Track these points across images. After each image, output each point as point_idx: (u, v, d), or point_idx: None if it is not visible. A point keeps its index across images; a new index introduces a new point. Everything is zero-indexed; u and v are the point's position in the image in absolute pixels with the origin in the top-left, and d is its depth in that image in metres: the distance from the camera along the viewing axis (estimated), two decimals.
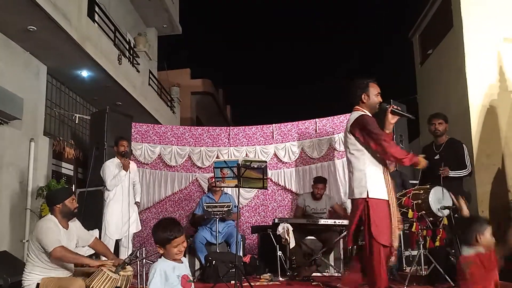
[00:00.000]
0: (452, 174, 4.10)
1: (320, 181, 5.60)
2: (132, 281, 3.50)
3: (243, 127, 6.83)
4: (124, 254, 4.69)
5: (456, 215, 3.92)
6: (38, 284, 3.14)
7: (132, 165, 5.24)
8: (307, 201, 5.59)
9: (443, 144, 4.29)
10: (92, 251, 3.98)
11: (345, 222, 4.97)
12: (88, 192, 5.54)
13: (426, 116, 8.84)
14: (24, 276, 3.18)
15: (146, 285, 3.88)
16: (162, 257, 2.34)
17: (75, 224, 3.46)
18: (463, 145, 4.25)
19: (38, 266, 3.16)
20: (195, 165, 6.64)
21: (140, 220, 5.35)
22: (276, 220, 4.87)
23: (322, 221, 5.04)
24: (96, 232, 5.02)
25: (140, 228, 5.25)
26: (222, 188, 5.69)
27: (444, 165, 4.19)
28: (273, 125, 6.72)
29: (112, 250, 4.85)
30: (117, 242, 4.96)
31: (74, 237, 3.38)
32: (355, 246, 3.28)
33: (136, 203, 5.18)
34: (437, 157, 4.27)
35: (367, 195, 3.13)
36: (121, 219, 4.89)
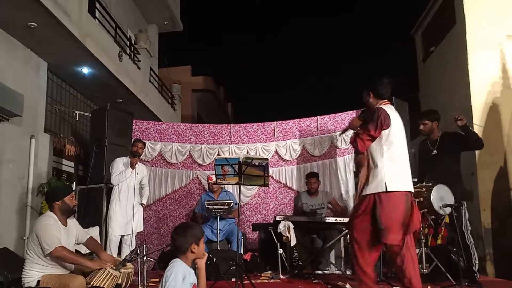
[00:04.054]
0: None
1: (312, 175, 5.63)
2: (133, 278, 3.49)
3: (244, 124, 6.81)
4: (127, 252, 4.70)
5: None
6: (38, 281, 3.14)
7: (142, 167, 5.29)
8: (304, 198, 5.59)
9: (438, 140, 4.27)
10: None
11: (346, 220, 4.95)
12: (88, 189, 5.53)
13: None
14: (24, 273, 3.18)
15: (146, 282, 3.88)
16: (179, 260, 2.34)
17: (73, 221, 3.46)
18: (457, 132, 4.23)
19: (37, 263, 3.16)
20: (196, 163, 6.62)
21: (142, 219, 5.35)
22: (277, 218, 4.85)
23: (323, 219, 5.02)
24: (96, 229, 5.03)
25: (142, 228, 5.27)
26: (221, 186, 5.68)
27: (444, 159, 4.16)
28: (274, 122, 6.70)
29: (116, 247, 4.88)
30: (121, 239, 4.99)
31: (73, 234, 3.38)
32: None
33: (141, 204, 5.23)
34: (434, 152, 4.25)
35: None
36: (124, 217, 4.92)
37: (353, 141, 3.27)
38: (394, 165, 3.16)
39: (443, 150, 4.20)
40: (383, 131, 3.18)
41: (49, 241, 3.10)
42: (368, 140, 3.21)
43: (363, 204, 3.22)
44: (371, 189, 3.18)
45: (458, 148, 4.23)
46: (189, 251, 2.36)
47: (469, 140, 4.13)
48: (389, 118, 3.20)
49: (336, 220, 4.93)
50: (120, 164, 5.03)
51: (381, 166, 3.16)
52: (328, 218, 5.05)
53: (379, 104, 3.33)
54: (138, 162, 5.14)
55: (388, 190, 3.09)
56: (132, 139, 5.32)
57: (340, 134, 6.15)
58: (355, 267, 3.32)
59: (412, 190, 3.25)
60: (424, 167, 4.43)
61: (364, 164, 3.46)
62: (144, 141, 5.41)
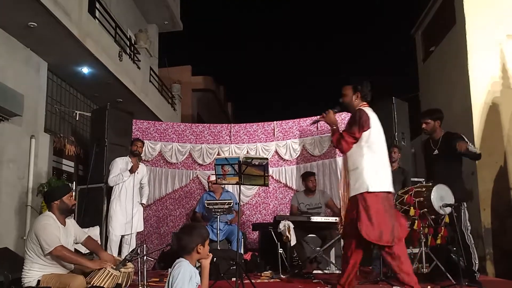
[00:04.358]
0: (470, 148, 3.98)
1: (309, 174, 5.65)
2: (133, 278, 3.49)
3: (244, 124, 6.81)
4: (127, 251, 4.70)
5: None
6: (38, 281, 3.13)
7: (142, 167, 5.27)
8: (300, 198, 5.58)
9: (440, 139, 4.25)
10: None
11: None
12: (88, 189, 5.53)
13: None
14: (24, 273, 3.17)
15: (146, 281, 3.88)
16: (186, 260, 2.34)
17: (71, 221, 3.46)
18: (461, 136, 4.20)
19: (36, 263, 3.15)
20: (196, 162, 6.63)
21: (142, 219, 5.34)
22: (277, 218, 4.86)
23: (323, 219, 5.03)
24: (97, 229, 5.02)
25: (142, 228, 5.25)
26: (222, 186, 5.68)
27: (445, 159, 4.14)
28: (274, 122, 6.70)
29: (117, 247, 4.86)
30: (121, 239, 4.98)
31: (72, 234, 3.37)
32: None
33: (141, 204, 5.22)
34: (435, 152, 4.24)
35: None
36: (125, 216, 4.91)
37: (338, 143, 3.28)
38: (374, 166, 3.20)
39: (444, 150, 4.18)
40: (363, 133, 3.21)
41: (49, 240, 3.11)
42: (352, 142, 3.23)
43: (353, 207, 3.21)
44: (354, 190, 3.20)
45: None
46: (195, 252, 2.36)
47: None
48: (369, 120, 3.23)
49: (336, 219, 4.93)
50: (119, 165, 5.01)
51: (362, 168, 3.18)
52: (327, 217, 5.05)
53: (361, 106, 3.34)
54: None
55: (370, 190, 3.12)
56: (141, 143, 5.26)
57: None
58: (346, 270, 3.28)
59: (393, 191, 3.27)
60: (429, 167, 4.41)
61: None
62: (144, 140, 5.42)
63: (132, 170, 4.94)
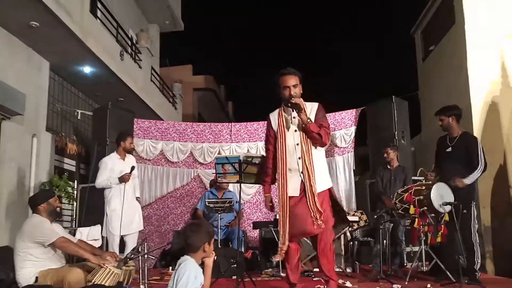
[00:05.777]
0: (468, 181, 3.96)
1: None
2: (134, 276, 3.52)
3: (245, 123, 6.84)
4: (128, 250, 4.67)
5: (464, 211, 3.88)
6: (37, 278, 3.16)
7: (132, 159, 4.94)
8: None
9: (457, 138, 4.22)
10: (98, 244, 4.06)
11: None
12: (90, 188, 5.55)
13: (427, 112, 8.87)
14: (17, 273, 3.20)
15: (147, 280, 3.90)
16: (191, 259, 2.32)
17: (58, 226, 3.47)
18: (477, 140, 4.16)
19: (28, 260, 3.19)
20: (197, 161, 6.66)
21: (142, 216, 5.28)
22: (278, 216, 4.87)
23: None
24: (98, 228, 5.01)
25: (142, 228, 5.14)
26: (227, 185, 5.69)
27: (456, 158, 4.09)
28: None
29: (117, 246, 4.79)
30: (122, 238, 4.91)
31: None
32: None
33: (137, 198, 4.96)
34: (449, 149, 4.22)
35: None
36: (125, 216, 4.78)
37: (327, 136, 3.08)
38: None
39: (457, 149, 4.15)
40: None
41: (47, 234, 3.15)
42: None
43: (322, 201, 3.10)
44: (325, 185, 3.15)
45: (469, 155, 4.16)
46: (201, 250, 2.32)
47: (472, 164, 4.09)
48: None
49: None
50: (108, 165, 4.70)
51: (324, 162, 3.22)
52: None
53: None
54: (127, 155, 4.84)
55: (331, 185, 3.21)
56: (132, 138, 4.95)
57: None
58: (292, 269, 3.29)
59: None
60: (438, 162, 4.38)
61: None
62: (145, 139, 5.36)
63: (123, 179, 4.59)
